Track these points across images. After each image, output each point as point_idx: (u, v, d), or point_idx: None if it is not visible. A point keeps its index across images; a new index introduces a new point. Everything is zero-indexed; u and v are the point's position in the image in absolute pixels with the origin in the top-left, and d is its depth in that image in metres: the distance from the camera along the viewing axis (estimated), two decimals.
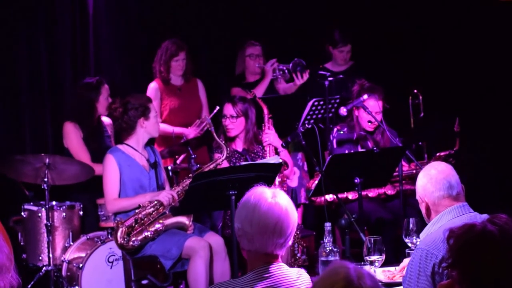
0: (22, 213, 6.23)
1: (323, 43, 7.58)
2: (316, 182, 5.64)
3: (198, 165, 6.08)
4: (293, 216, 3.09)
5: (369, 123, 6.34)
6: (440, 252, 3.40)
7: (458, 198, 3.65)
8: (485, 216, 3.63)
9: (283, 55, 7.25)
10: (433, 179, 3.68)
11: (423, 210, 3.72)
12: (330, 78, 6.62)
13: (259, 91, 6.93)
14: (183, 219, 5.53)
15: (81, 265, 5.84)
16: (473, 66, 7.97)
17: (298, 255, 6.00)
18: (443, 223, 3.60)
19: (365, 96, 6.20)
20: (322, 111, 6.59)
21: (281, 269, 3.09)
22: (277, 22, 8.25)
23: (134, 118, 5.57)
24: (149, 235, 5.39)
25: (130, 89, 6.97)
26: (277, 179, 6.05)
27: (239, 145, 6.21)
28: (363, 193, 5.79)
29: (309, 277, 3.20)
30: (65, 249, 6.13)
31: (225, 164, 5.88)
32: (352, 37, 7.45)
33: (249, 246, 3.08)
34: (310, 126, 6.05)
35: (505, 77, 7.93)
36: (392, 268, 4.24)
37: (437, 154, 6.41)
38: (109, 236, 5.95)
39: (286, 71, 7.13)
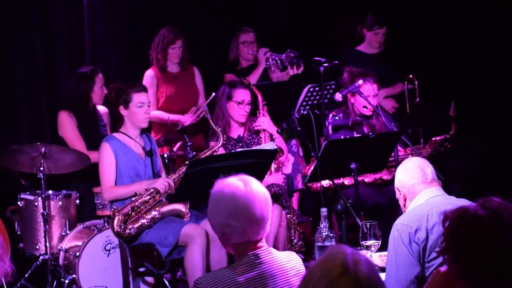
0: (19, 203, 6.23)
1: (356, 25, 7.58)
2: (312, 168, 5.64)
3: (194, 153, 6.07)
4: (268, 197, 3.12)
5: (365, 108, 6.34)
6: (414, 223, 3.61)
7: (433, 183, 3.89)
8: (457, 199, 3.79)
9: (278, 44, 7.25)
10: (408, 169, 3.94)
11: (402, 202, 4.00)
12: (326, 64, 6.60)
13: (252, 79, 6.93)
14: (180, 207, 5.53)
15: (78, 253, 5.85)
16: (468, 51, 7.95)
17: (295, 241, 6.00)
18: (420, 202, 3.76)
19: (360, 81, 6.19)
20: (317, 97, 6.58)
21: (271, 254, 3.09)
22: (274, 10, 8.25)
23: (117, 105, 5.60)
24: (146, 223, 5.38)
25: (125, 78, 6.96)
26: (273, 166, 6.07)
27: (234, 132, 6.21)
28: (359, 178, 5.79)
29: (300, 259, 3.20)
30: (61, 238, 6.14)
31: (221, 151, 5.87)
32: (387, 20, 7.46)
33: (241, 239, 3.06)
34: (305, 112, 6.05)
35: (501, 61, 7.91)
36: None
37: (433, 138, 6.40)
38: (106, 225, 5.96)
39: (279, 61, 7.13)
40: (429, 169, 3.93)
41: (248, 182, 3.09)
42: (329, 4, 8.23)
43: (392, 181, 6.14)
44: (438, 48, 8.17)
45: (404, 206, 3.96)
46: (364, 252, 4.12)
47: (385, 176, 6.23)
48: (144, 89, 5.68)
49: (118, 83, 5.69)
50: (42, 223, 5.99)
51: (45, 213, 5.94)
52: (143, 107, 5.58)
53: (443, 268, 2.65)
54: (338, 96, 6.20)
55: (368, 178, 6.21)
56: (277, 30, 8.19)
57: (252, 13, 8.24)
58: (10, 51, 7.06)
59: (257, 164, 5.15)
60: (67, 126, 6.37)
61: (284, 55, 7.07)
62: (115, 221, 5.31)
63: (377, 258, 4.20)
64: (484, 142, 6.53)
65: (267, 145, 5.85)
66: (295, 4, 8.38)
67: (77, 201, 6.32)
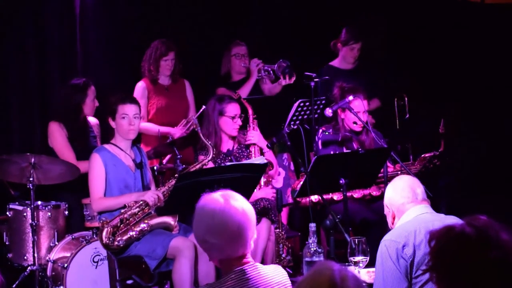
0: (7, 213, 6.22)
1: (329, 40, 7.57)
2: (301, 182, 5.65)
3: (183, 165, 6.08)
4: (250, 213, 3.08)
5: (355, 124, 6.36)
6: (402, 239, 3.62)
7: (422, 202, 3.86)
8: (446, 217, 3.81)
9: (268, 56, 7.26)
10: (399, 188, 3.96)
11: (390, 219, 3.97)
12: (316, 79, 6.62)
13: (244, 91, 6.94)
14: (168, 219, 5.51)
15: (66, 264, 5.83)
16: (459, 68, 8.00)
17: (283, 255, 6.01)
18: (408, 219, 3.78)
19: (351, 97, 6.20)
20: (308, 112, 6.59)
21: (258, 270, 3.08)
22: (265, 22, 8.28)
23: (107, 117, 5.62)
24: (134, 235, 5.37)
25: (117, 89, 6.97)
26: (263, 179, 6.07)
27: (224, 146, 6.21)
28: (348, 194, 5.79)
29: (286, 273, 3.20)
30: (50, 249, 6.11)
31: (210, 165, 5.87)
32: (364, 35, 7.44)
33: (220, 256, 3.05)
34: (295, 127, 6.05)
35: (492, 78, 7.97)
36: None
37: (422, 155, 6.42)
38: (94, 236, 5.94)
39: (271, 72, 7.14)
40: (419, 189, 3.94)
41: (229, 198, 3.06)
42: (328, 5, 8.29)
43: (381, 197, 6.17)
44: (428, 64, 8.21)
45: (392, 223, 3.98)
46: (352, 268, 4.13)
47: (374, 192, 6.23)
48: (132, 101, 5.66)
49: (115, 95, 5.71)
50: (30, 234, 5.98)
51: (34, 224, 5.92)
52: (126, 119, 5.57)
53: None
54: (328, 112, 6.21)
55: (357, 194, 6.21)
56: (271, 41, 8.21)
57: (246, 25, 8.28)
58: (2, 61, 7.05)
59: (247, 178, 5.15)
60: (57, 137, 6.37)
61: (276, 65, 7.08)
62: (104, 233, 5.30)
63: (365, 274, 4.21)
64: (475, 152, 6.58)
65: (257, 159, 5.86)
66: (294, 5, 8.41)
67: (66, 212, 6.30)
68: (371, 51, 7.69)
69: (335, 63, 7.52)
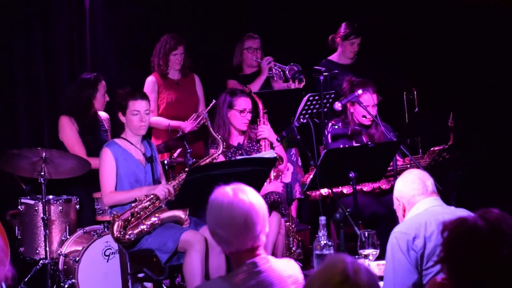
0: (19, 207, 6.26)
1: (328, 35, 7.56)
2: (311, 176, 5.65)
3: (194, 159, 6.09)
4: (259, 206, 3.04)
5: (364, 118, 6.36)
6: (412, 231, 3.63)
7: (432, 195, 3.88)
8: (456, 209, 3.82)
9: (276, 50, 7.28)
10: (409, 181, 3.98)
11: (400, 212, 3.99)
12: (325, 73, 6.63)
13: (255, 87, 6.95)
14: (179, 213, 5.54)
15: (77, 258, 5.86)
16: (467, 62, 8.00)
17: (293, 248, 6.03)
18: (419, 212, 3.79)
19: (360, 91, 6.21)
20: (317, 106, 6.61)
21: (269, 262, 3.07)
22: (273, 16, 8.29)
23: (117, 111, 5.64)
24: (145, 229, 5.39)
25: (126, 84, 6.99)
26: (272, 173, 6.09)
27: (234, 140, 6.24)
28: (358, 187, 5.79)
29: (297, 267, 3.20)
30: (61, 243, 6.16)
31: (221, 159, 5.89)
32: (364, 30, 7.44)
33: (229, 249, 3.05)
34: (305, 120, 6.05)
35: (500, 72, 7.96)
36: None
37: (431, 149, 6.42)
38: (106, 230, 5.98)
39: (281, 72, 7.16)
40: (429, 181, 3.95)
41: (238, 191, 3.04)
42: (328, 5, 8.29)
43: (390, 190, 6.19)
44: (437, 58, 8.21)
45: (403, 216, 3.98)
46: (362, 261, 4.15)
47: (383, 185, 6.24)
48: (142, 97, 5.65)
49: (124, 89, 5.72)
50: (42, 228, 6.01)
51: (45, 218, 5.96)
52: (137, 115, 5.58)
53: (439, 278, 2.66)
54: (338, 105, 6.21)
55: (366, 187, 6.22)
56: (279, 35, 8.22)
57: (254, 18, 8.30)
58: (11, 57, 7.08)
59: (257, 172, 5.16)
60: (68, 131, 6.40)
61: (287, 67, 7.10)
62: (115, 227, 5.32)
63: (375, 267, 4.23)
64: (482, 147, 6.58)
65: (267, 153, 5.87)
66: (294, 5, 8.42)
67: (77, 206, 6.34)
68: (372, 46, 7.68)
69: (333, 57, 7.51)
